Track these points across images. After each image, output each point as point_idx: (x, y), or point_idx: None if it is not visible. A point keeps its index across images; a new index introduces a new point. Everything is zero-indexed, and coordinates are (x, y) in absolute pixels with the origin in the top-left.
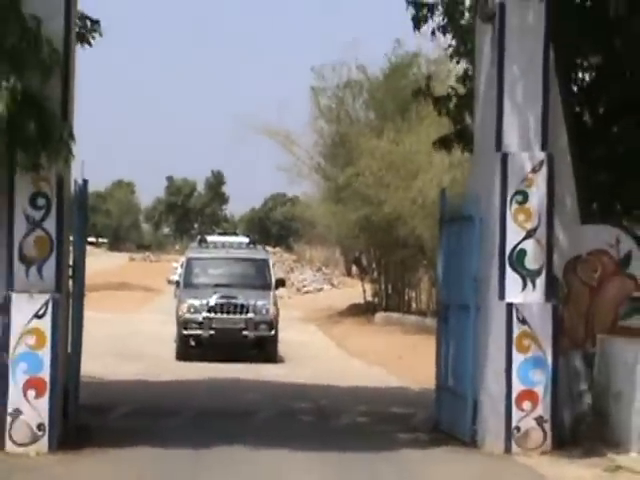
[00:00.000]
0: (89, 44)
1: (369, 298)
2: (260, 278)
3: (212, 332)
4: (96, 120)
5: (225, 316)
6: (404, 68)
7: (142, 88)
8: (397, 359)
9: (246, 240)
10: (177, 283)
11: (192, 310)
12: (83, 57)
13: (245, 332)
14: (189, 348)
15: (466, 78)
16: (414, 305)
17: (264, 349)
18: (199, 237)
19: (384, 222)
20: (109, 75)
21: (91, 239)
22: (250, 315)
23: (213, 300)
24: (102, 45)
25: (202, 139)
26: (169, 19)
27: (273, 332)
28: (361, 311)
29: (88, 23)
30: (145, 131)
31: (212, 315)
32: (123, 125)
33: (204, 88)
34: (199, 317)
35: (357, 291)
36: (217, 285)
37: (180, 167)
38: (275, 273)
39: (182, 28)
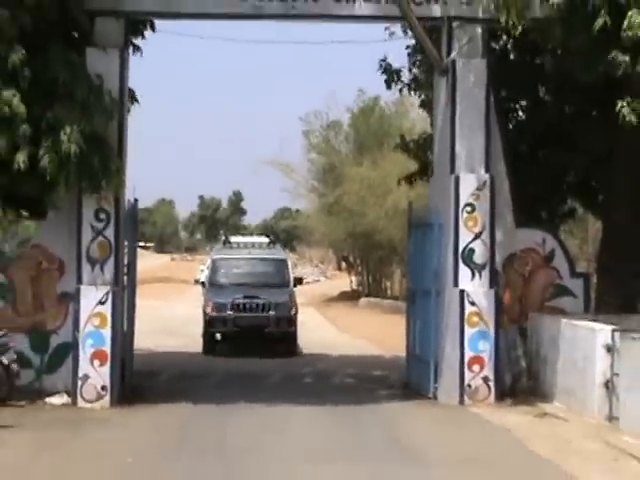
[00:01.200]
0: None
1: (355, 287)
2: (280, 277)
3: (236, 329)
4: (146, 152)
5: (248, 314)
6: (370, 110)
7: (180, 130)
8: (375, 333)
9: (266, 240)
10: (203, 284)
11: (217, 309)
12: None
13: (267, 329)
14: (215, 344)
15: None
16: (389, 292)
17: (285, 344)
18: (224, 238)
19: (365, 229)
20: (157, 121)
21: (141, 244)
22: (271, 313)
23: (237, 299)
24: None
25: (226, 167)
26: (205, 77)
27: (293, 328)
28: (348, 297)
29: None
30: (183, 161)
31: (236, 314)
32: (167, 156)
33: (228, 130)
34: (224, 315)
35: (345, 282)
36: (240, 284)
37: (209, 188)
38: (293, 272)
39: (212, 85)
